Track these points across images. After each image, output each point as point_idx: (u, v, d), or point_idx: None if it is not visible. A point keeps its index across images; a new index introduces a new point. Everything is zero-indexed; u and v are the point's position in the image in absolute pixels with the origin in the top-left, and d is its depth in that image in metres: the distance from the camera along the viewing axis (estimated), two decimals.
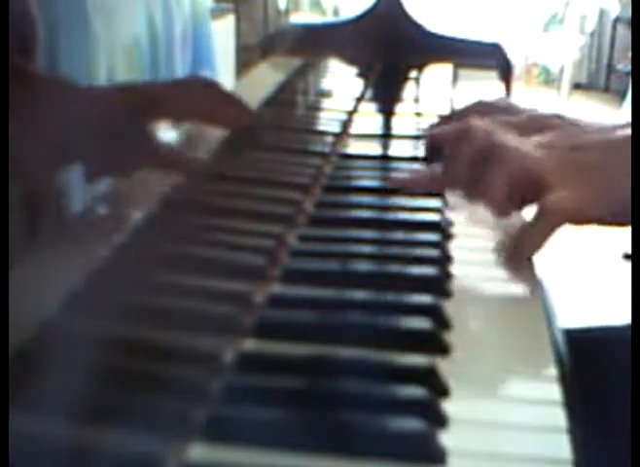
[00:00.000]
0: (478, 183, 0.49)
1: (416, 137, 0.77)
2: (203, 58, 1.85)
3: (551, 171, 0.48)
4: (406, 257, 0.49)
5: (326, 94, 1.00)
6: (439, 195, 0.59)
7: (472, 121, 0.52)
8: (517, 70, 4.43)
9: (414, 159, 0.71)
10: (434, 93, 0.97)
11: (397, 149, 0.76)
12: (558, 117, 0.62)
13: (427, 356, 0.38)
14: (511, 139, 0.50)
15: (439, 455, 0.32)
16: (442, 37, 1.13)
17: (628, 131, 0.50)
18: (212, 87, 0.59)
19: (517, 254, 0.47)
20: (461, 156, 0.51)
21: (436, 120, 0.69)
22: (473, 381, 0.37)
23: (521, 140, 0.50)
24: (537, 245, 0.47)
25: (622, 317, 0.57)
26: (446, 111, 0.85)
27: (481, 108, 0.66)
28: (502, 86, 1.04)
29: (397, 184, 0.54)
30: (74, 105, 0.52)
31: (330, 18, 3.92)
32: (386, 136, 0.81)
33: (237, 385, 0.35)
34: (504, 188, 0.48)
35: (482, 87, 1.00)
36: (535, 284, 0.47)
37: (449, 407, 0.35)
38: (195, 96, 0.59)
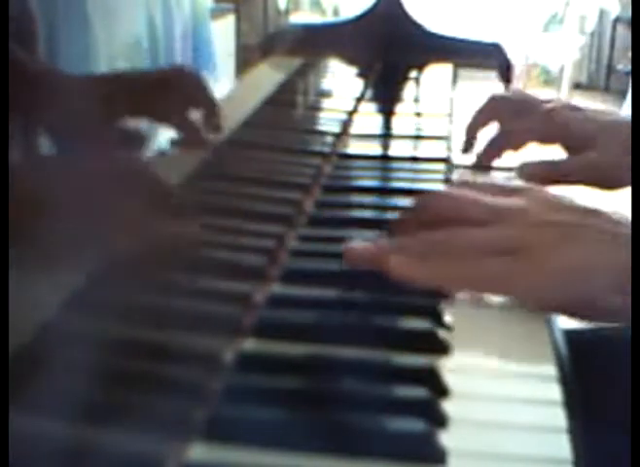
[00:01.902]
0: None
1: (417, 137, 0.77)
2: (203, 58, 1.86)
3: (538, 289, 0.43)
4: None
5: (326, 94, 1.00)
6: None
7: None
8: (517, 70, 4.42)
9: (414, 159, 0.71)
10: (434, 93, 0.97)
11: (397, 149, 0.76)
12: (577, 109, 0.64)
13: (427, 356, 0.38)
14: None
15: (439, 455, 0.32)
16: (442, 37, 1.13)
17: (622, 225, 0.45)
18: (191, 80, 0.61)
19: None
20: None
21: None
22: (473, 382, 0.37)
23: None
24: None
25: None
26: (446, 111, 0.85)
27: (495, 104, 0.68)
28: (502, 86, 1.04)
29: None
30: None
31: (330, 18, 3.92)
32: (386, 136, 0.81)
33: (237, 385, 0.35)
34: None
35: (482, 87, 1.00)
36: None
37: (449, 407, 0.35)
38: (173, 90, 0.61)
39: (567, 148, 0.66)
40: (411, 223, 0.47)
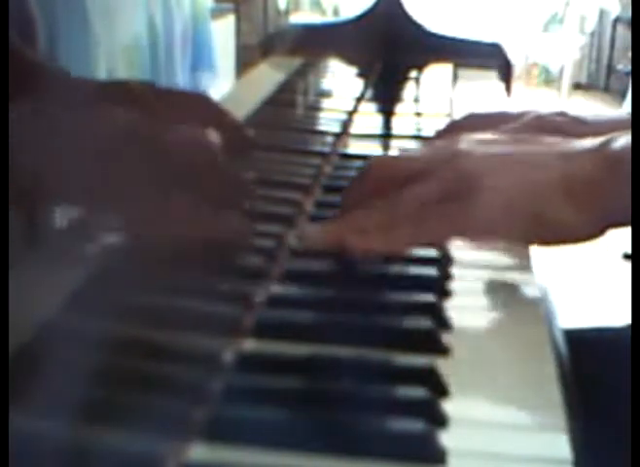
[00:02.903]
0: None
1: (417, 137, 0.77)
2: (203, 58, 1.86)
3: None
4: (406, 256, 0.49)
5: (326, 94, 1.00)
6: None
7: None
8: (517, 70, 4.43)
9: None
10: (434, 93, 0.97)
11: (397, 149, 0.75)
12: (561, 114, 0.62)
13: (427, 356, 0.38)
14: None
15: (439, 455, 0.32)
16: (442, 37, 1.13)
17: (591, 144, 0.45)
18: (211, 106, 0.58)
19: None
20: None
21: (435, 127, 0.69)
22: (473, 381, 0.37)
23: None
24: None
25: (622, 317, 0.57)
26: (446, 111, 0.85)
27: (473, 121, 0.65)
28: (502, 86, 1.04)
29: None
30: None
31: (330, 18, 3.92)
32: (386, 136, 0.81)
33: (237, 385, 0.35)
34: None
35: (482, 87, 1.00)
36: (535, 284, 0.47)
37: (449, 407, 0.35)
38: (192, 111, 0.59)
39: None
40: (359, 194, 0.48)
